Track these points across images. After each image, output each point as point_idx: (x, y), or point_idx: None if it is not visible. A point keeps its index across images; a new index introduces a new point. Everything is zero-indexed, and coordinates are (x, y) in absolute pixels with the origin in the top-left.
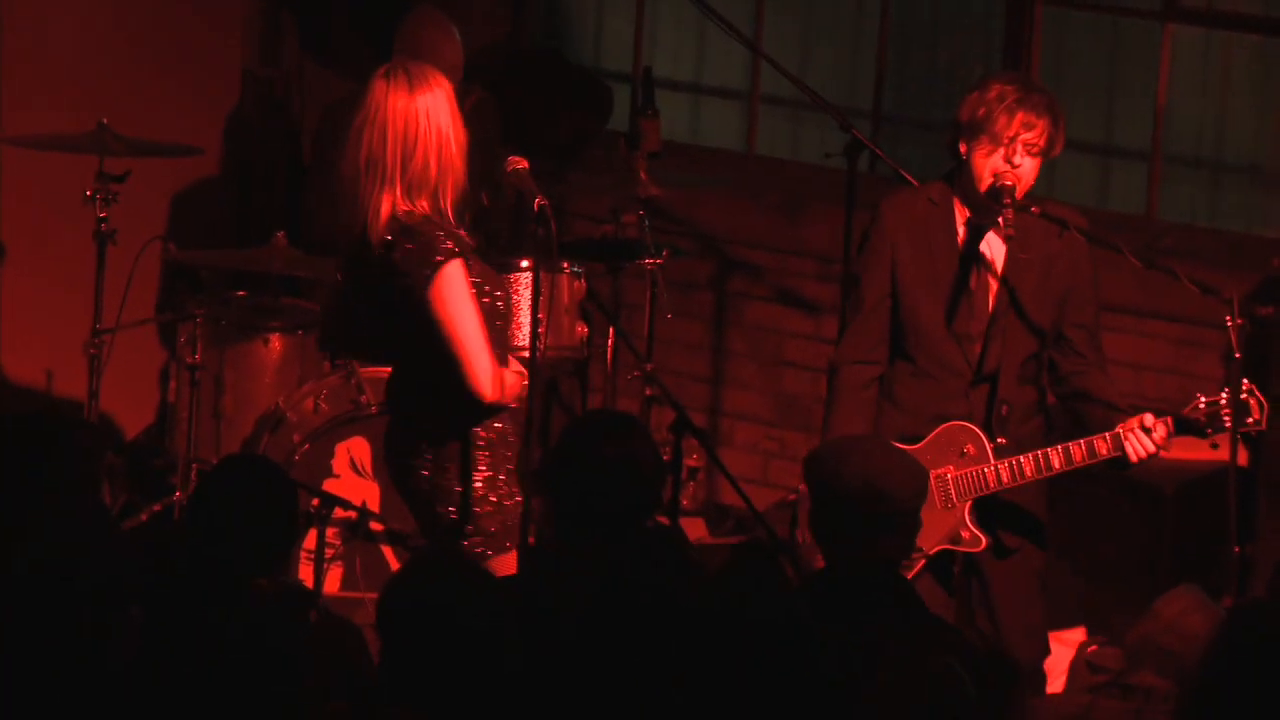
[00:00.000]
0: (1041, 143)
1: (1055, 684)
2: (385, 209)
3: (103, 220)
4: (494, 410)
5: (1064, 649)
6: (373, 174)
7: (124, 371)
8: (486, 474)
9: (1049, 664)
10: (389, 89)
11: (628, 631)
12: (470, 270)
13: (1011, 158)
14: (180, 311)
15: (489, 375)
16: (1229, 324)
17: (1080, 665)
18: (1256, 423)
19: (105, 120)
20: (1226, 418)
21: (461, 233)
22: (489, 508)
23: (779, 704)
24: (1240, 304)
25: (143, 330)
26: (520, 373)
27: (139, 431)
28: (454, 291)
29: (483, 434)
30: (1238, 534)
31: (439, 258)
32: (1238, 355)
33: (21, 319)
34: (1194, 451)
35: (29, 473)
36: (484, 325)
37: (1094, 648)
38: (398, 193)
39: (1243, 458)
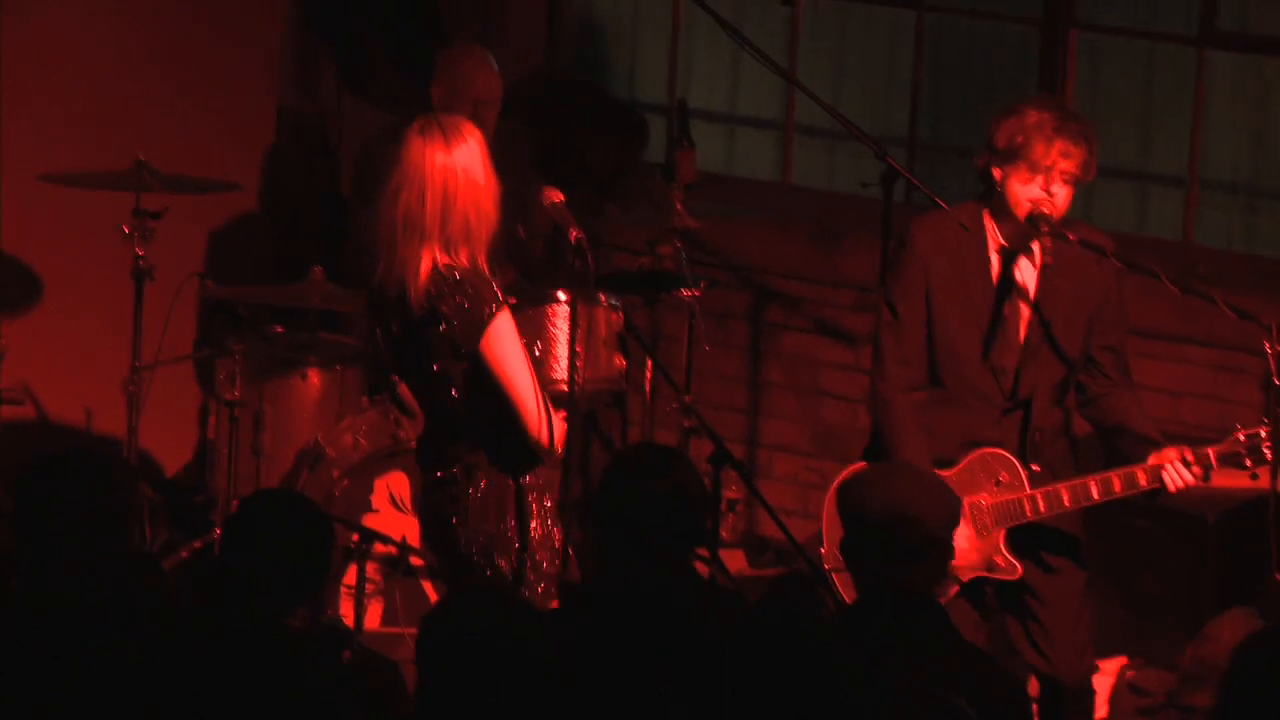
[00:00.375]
0: (1078, 171)
1: (1099, 710)
2: (426, 265)
3: (140, 257)
4: (544, 457)
5: (1104, 677)
6: (411, 232)
7: (163, 408)
8: (539, 518)
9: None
10: (425, 146)
11: (670, 662)
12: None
13: (1050, 186)
14: (219, 348)
15: (542, 422)
16: (1268, 350)
17: (1123, 689)
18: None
19: (142, 157)
20: (1267, 450)
21: (495, 281)
22: (546, 553)
23: None
24: (1279, 330)
25: (181, 367)
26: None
27: (178, 468)
28: (506, 342)
29: (532, 480)
30: (1276, 559)
31: (491, 308)
32: (1277, 381)
33: (60, 356)
34: (1234, 480)
35: (65, 507)
36: (533, 373)
37: (1133, 673)
38: (437, 249)
39: None
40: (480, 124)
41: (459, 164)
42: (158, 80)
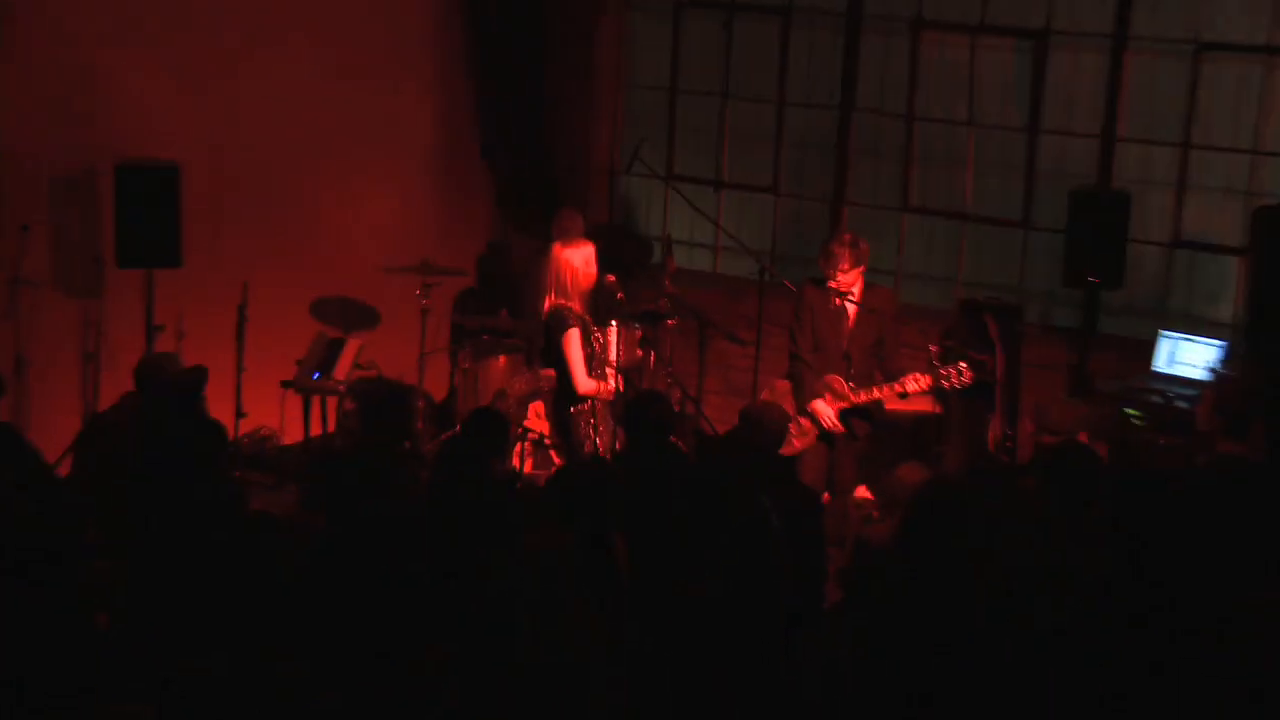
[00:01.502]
0: (849, 267)
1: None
2: (548, 303)
3: (424, 304)
4: (584, 398)
5: (857, 496)
6: (544, 286)
7: (435, 372)
8: (587, 420)
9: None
10: (558, 246)
11: (669, 486)
12: (583, 329)
13: (837, 275)
14: (459, 344)
15: (583, 384)
16: (931, 350)
17: (852, 507)
18: (964, 380)
19: (427, 258)
20: (943, 379)
21: (578, 310)
22: (584, 435)
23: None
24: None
25: (442, 354)
26: (607, 382)
27: (441, 399)
28: (570, 343)
29: (583, 406)
30: (937, 441)
31: (568, 325)
32: (936, 364)
33: (386, 350)
34: (920, 406)
35: (402, 405)
36: (584, 356)
37: (863, 491)
38: (553, 294)
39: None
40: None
41: (567, 256)
42: (432, 223)
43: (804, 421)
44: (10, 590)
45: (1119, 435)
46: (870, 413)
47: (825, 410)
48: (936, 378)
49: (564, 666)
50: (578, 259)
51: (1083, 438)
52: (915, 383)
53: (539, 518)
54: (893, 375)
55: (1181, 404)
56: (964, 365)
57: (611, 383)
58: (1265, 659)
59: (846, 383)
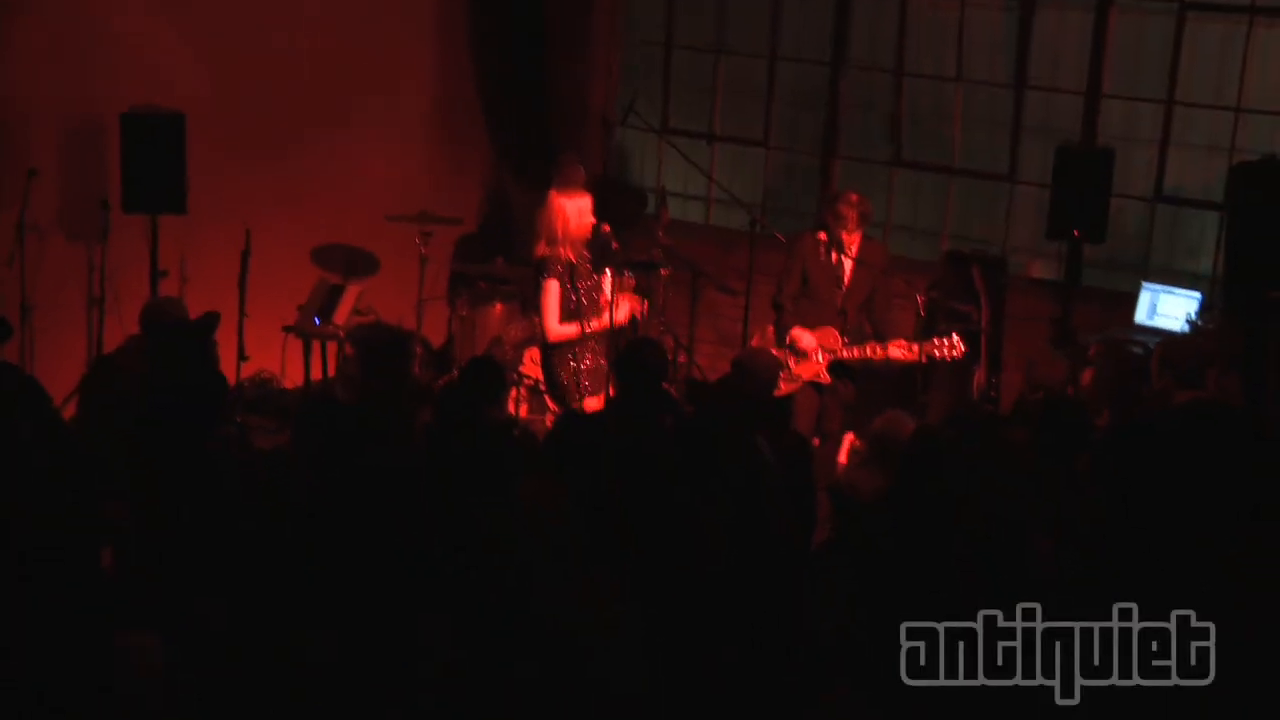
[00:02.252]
0: (855, 223)
1: (841, 458)
2: (539, 251)
3: (422, 252)
4: (558, 344)
5: (847, 441)
6: (538, 232)
7: (433, 318)
8: (571, 366)
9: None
10: (555, 194)
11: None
12: (565, 278)
13: (841, 229)
14: (457, 291)
15: (553, 330)
16: (918, 300)
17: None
18: (955, 355)
19: (425, 208)
20: (935, 350)
21: (570, 258)
22: (569, 379)
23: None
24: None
25: (440, 300)
26: (575, 329)
27: (439, 344)
28: (547, 292)
29: (570, 360)
30: (922, 390)
31: (547, 275)
32: (922, 314)
33: (385, 296)
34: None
35: (399, 357)
36: (560, 307)
37: (855, 441)
38: (544, 242)
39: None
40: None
41: (559, 204)
42: (430, 173)
43: (790, 364)
44: (28, 542)
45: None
46: (853, 373)
47: (806, 338)
48: (927, 349)
49: (562, 615)
50: (572, 208)
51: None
52: (905, 350)
53: (535, 465)
54: (881, 329)
55: None
56: (957, 338)
57: (612, 315)
58: (1245, 603)
59: (841, 337)
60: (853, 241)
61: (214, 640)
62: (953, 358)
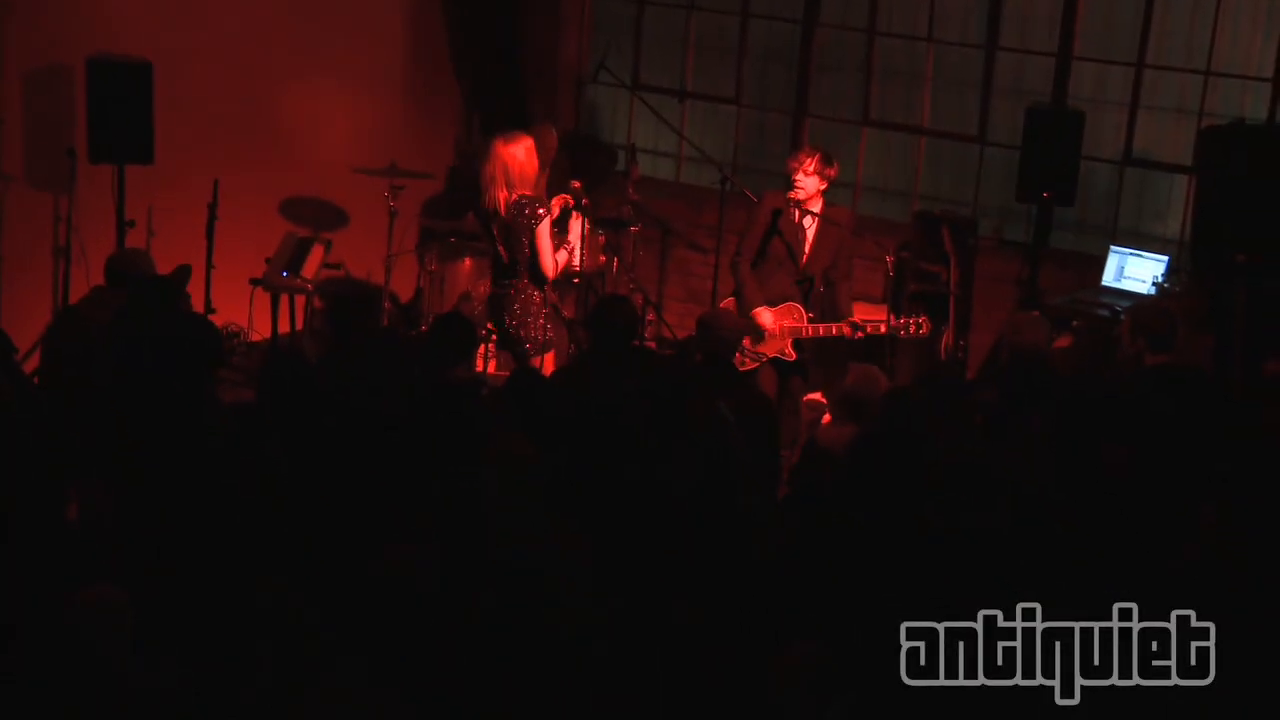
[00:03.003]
0: (816, 177)
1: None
2: (503, 196)
3: (392, 206)
4: (549, 281)
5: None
6: (487, 182)
7: (402, 273)
8: (540, 320)
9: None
10: (499, 143)
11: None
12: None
13: (800, 186)
14: (426, 246)
15: (551, 268)
16: (888, 261)
17: (806, 409)
18: (921, 334)
19: (395, 161)
20: (900, 330)
21: (500, 207)
22: (538, 332)
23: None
24: (894, 249)
25: (409, 255)
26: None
27: (408, 299)
28: (543, 230)
29: (538, 295)
30: (890, 351)
31: (540, 210)
32: (891, 274)
33: (356, 249)
34: (873, 316)
35: (362, 315)
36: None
37: (815, 396)
38: (504, 189)
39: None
40: (549, 159)
41: (511, 152)
42: (400, 126)
43: (747, 344)
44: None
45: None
46: (807, 369)
47: (765, 316)
48: (894, 329)
49: (533, 571)
50: (520, 152)
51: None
52: (868, 327)
53: (505, 423)
54: (835, 297)
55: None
56: (924, 319)
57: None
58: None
59: (806, 311)
60: (815, 203)
61: (187, 594)
62: (918, 338)
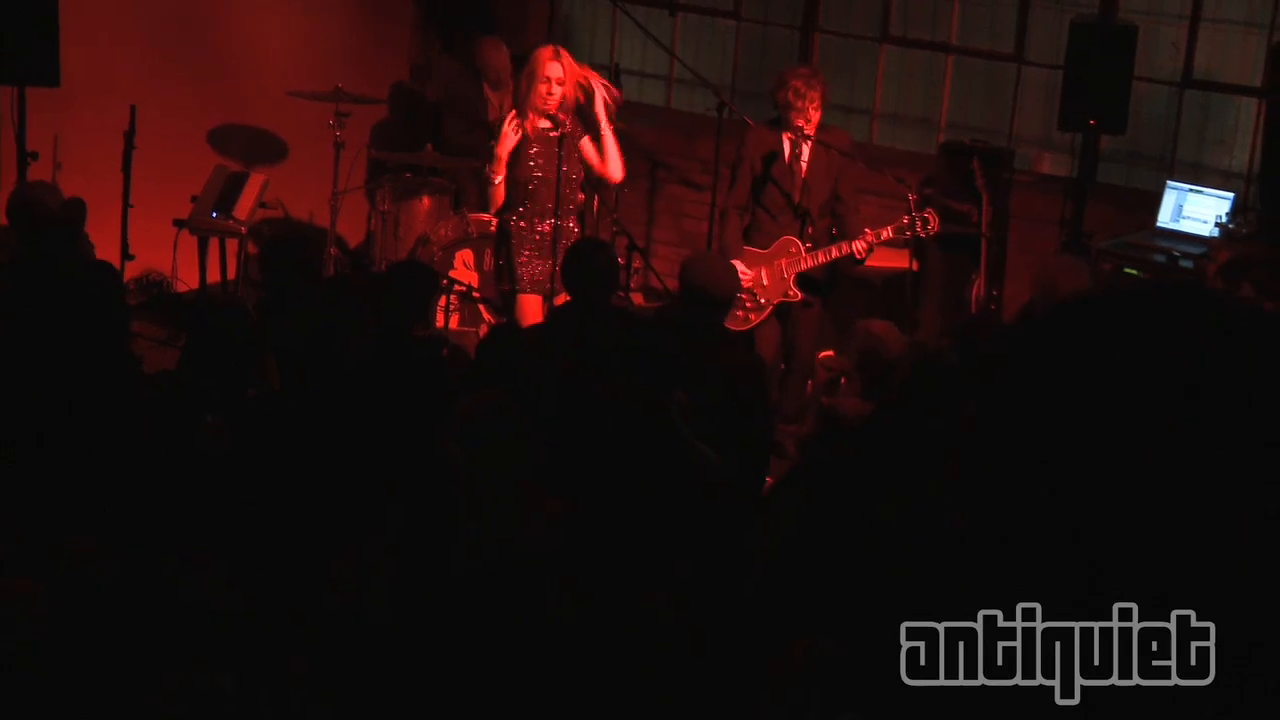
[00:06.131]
0: (817, 103)
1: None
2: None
3: (337, 136)
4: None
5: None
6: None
7: (349, 214)
8: (522, 260)
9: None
10: (540, 51)
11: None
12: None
13: (811, 115)
14: (377, 183)
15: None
16: (910, 197)
17: (819, 368)
18: (930, 230)
19: (340, 85)
20: (918, 227)
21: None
22: (514, 269)
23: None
24: (916, 185)
25: (358, 193)
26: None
27: (356, 244)
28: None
29: (516, 223)
30: (913, 302)
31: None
32: (912, 209)
33: (296, 186)
34: (891, 262)
35: (305, 251)
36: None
37: (829, 353)
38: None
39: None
40: (500, 79)
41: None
42: (346, 45)
43: (745, 299)
44: None
45: None
46: (821, 285)
47: (740, 269)
48: (898, 228)
49: (509, 540)
50: (546, 73)
51: None
52: (871, 238)
53: (473, 381)
54: (847, 229)
55: (1187, 264)
56: (930, 211)
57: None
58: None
59: (803, 244)
60: (810, 127)
61: (98, 583)
62: (927, 234)
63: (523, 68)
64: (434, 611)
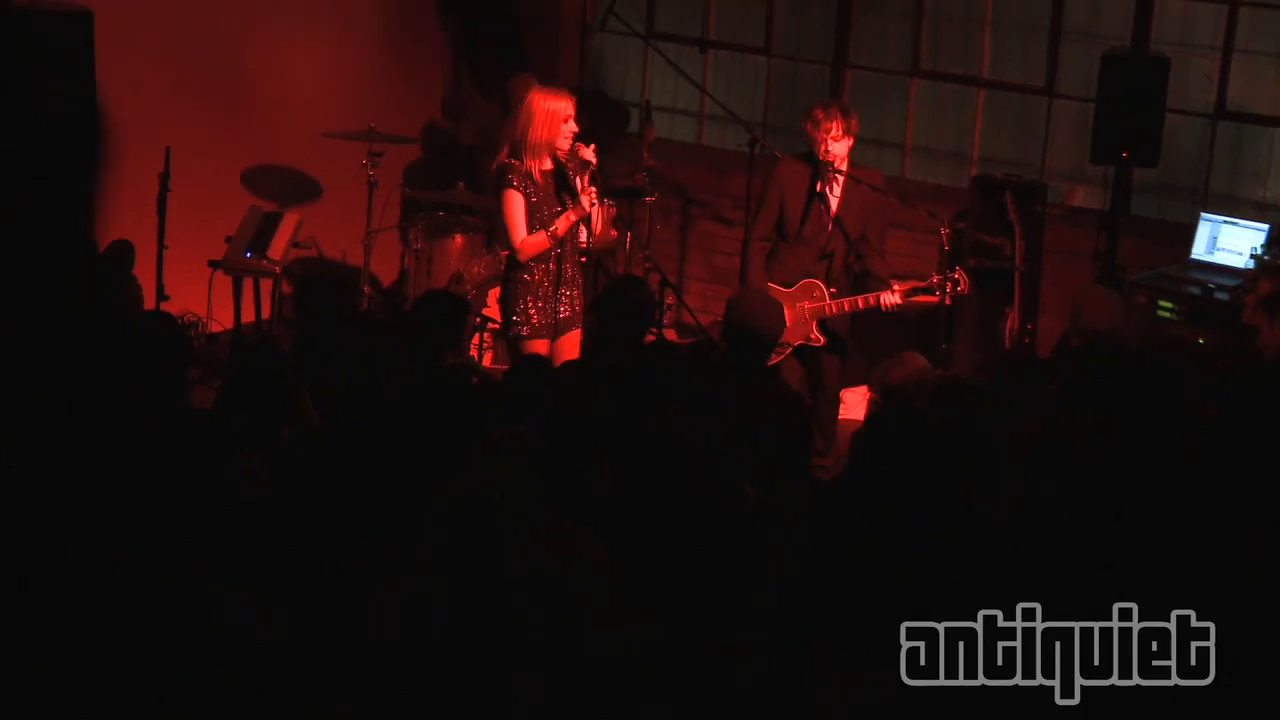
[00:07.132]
0: (842, 138)
1: (856, 413)
2: (500, 158)
3: (371, 176)
4: (523, 265)
5: (860, 395)
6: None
7: (383, 253)
8: (530, 299)
9: (853, 401)
10: (535, 92)
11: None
12: (530, 192)
13: (828, 147)
14: (410, 222)
15: (521, 240)
16: (942, 232)
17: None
18: (960, 291)
19: (373, 124)
20: (936, 290)
21: (534, 172)
22: (526, 315)
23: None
24: (949, 220)
25: (391, 231)
26: (542, 241)
27: (389, 282)
28: (507, 203)
29: (525, 277)
30: (945, 336)
31: (503, 186)
32: (946, 248)
33: (330, 226)
34: (925, 296)
35: (339, 291)
36: (526, 220)
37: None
38: (506, 148)
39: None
40: None
41: (541, 103)
42: (379, 84)
43: None
44: None
45: (1147, 332)
46: (839, 334)
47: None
48: (927, 287)
49: (537, 568)
50: (550, 109)
51: None
52: (900, 298)
53: (501, 417)
54: (870, 269)
55: (1222, 295)
56: (959, 272)
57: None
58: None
59: (827, 289)
60: (843, 160)
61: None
62: (956, 296)
63: (520, 106)
64: (476, 642)
